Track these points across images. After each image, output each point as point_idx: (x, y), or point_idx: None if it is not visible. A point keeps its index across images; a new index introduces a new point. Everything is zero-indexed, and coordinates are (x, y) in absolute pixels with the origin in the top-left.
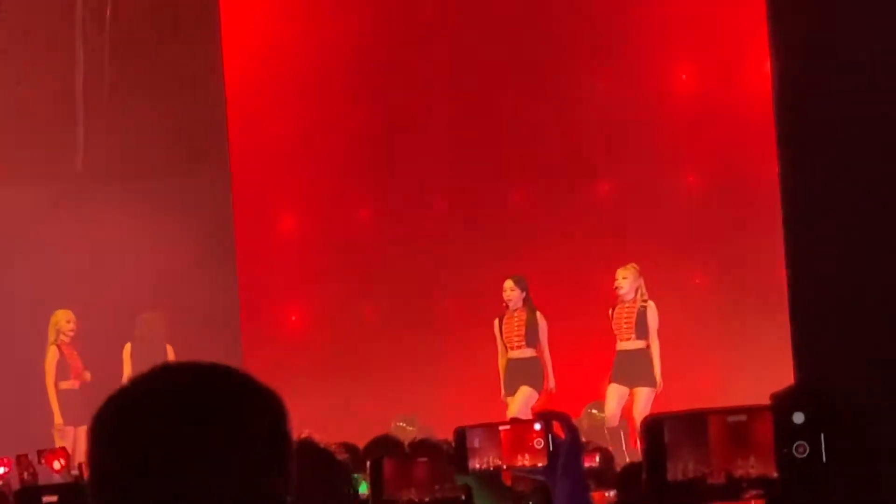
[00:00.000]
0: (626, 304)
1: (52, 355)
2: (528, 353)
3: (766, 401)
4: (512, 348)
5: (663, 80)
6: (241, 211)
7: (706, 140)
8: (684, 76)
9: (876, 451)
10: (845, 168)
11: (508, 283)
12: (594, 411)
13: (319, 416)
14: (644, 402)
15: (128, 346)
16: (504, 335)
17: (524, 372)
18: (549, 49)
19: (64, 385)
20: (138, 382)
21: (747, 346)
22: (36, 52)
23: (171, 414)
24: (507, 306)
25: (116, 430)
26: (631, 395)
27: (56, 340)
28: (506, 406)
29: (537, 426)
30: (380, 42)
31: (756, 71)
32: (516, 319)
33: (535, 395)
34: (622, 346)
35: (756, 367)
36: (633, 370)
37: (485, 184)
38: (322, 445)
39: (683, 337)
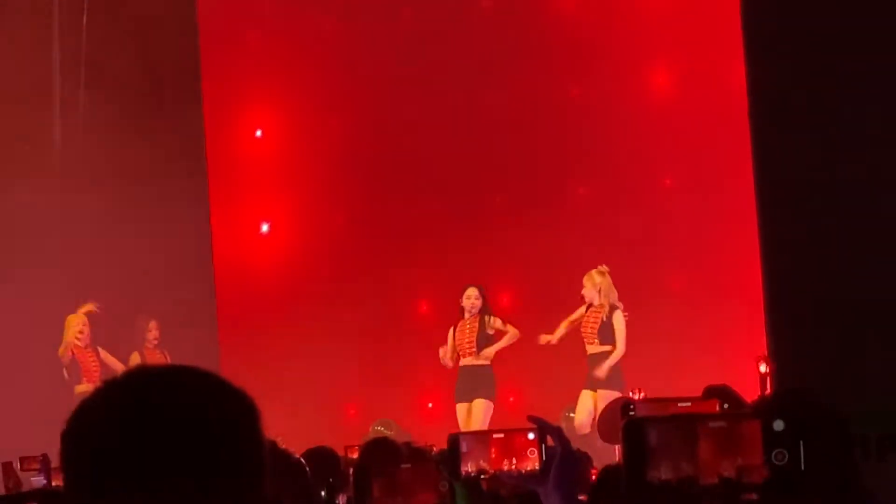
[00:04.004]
0: (594, 308)
1: (63, 357)
2: (480, 360)
3: (748, 399)
4: (463, 355)
5: (638, 84)
6: (218, 213)
7: (682, 143)
8: (659, 80)
9: (854, 455)
10: (820, 170)
11: (473, 292)
12: (571, 415)
13: (295, 420)
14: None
15: (135, 355)
16: (457, 341)
17: (476, 381)
18: (526, 55)
19: (79, 388)
20: (110, 385)
21: (725, 350)
22: (11, 49)
23: (141, 414)
24: (465, 313)
25: (87, 432)
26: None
27: (70, 345)
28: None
29: (531, 436)
30: (360, 47)
31: (731, 74)
32: (468, 326)
33: (492, 406)
34: (590, 349)
35: (734, 370)
36: (599, 374)
37: (463, 188)
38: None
39: (661, 341)
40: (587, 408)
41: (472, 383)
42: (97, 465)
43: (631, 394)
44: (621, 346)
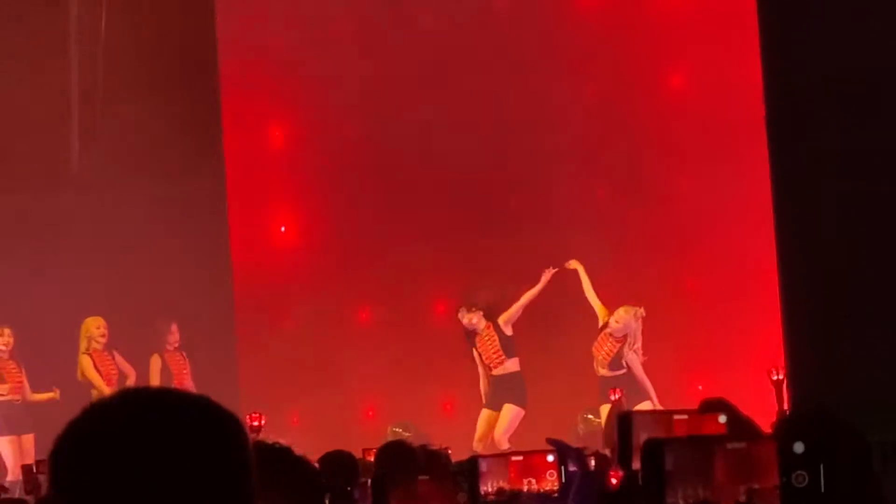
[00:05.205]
0: (611, 339)
1: (86, 364)
2: (511, 367)
3: (761, 409)
4: (494, 367)
5: (655, 84)
6: (236, 214)
7: (699, 144)
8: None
9: (874, 473)
10: (837, 172)
11: (464, 314)
12: (590, 416)
13: (313, 423)
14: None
15: (155, 357)
16: (483, 357)
17: (507, 389)
18: (542, 56)
19: (95, 392)
20: (99, 407)
21: (739, 351)
22: (29, 58)
23: (127, 440)
24: (475, 332)
25: (73, 453)
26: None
27: (88, 348)
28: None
29: (550, 458)
30: (374, 48)
31: (748, 75)
32: (487, 338)
33: (521, 413)
34: (601, 372)
35: (747, 370)
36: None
37: (481, 189)
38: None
39: (674, 340)
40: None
41: (503, 392)
42: (82, 487)
43: (610, 394)
44: (648, 385)
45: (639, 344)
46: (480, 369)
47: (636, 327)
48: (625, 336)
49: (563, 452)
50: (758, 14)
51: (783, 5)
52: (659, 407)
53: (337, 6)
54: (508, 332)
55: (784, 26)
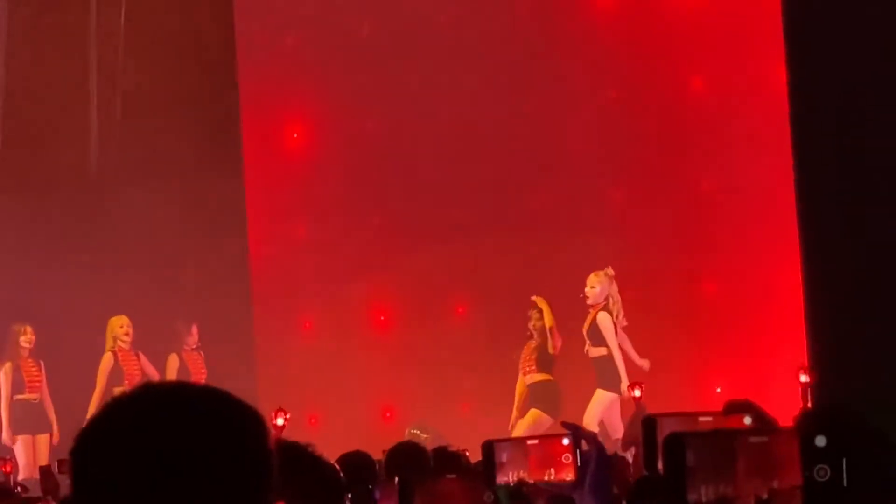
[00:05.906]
0: (592, 310)
1: (105, 361)
2: (541, 376)
3: (783, 409)
4: (524, 373)
5: (677, 86)
6: (255, 214)
7: (721, 146)
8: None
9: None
10: (862, 175)
11: (534, 313)
12: None
13: (331, 424)
14: (599, 404)
15: (173, 357)
16: (522, 361)
17: (538, 396)
18: (562, 57)
19: (117, 390)
20: (117, 404)
21: (761, 355)
22: (49, 58)
23: (149, 435)
24: (533, 335)
25: (97, 450)
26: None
27: (113, 347)
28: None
29: (565, 441)
30: (392, 48)
31: (770, 76)
32: (534, 344)
33: (548, 421)
34: (591, 352)
35: (768, 375)
36: (599, 375)
37: (500, 190)
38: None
39: (696, 343)
40: (590, 409)
41: (534, 400)
42: (97, 486)
43: (631, 391)
44: (613, 346)
45: (619, 305)
46: (520, 374)
47: (613, 288)
48: (606, 301)
49: (578, 435)
50: (783, 16)
51: (809, 7)
52: (626, 383)
53: (355, 5)
54: (552, 350)
55: (810, 28)
